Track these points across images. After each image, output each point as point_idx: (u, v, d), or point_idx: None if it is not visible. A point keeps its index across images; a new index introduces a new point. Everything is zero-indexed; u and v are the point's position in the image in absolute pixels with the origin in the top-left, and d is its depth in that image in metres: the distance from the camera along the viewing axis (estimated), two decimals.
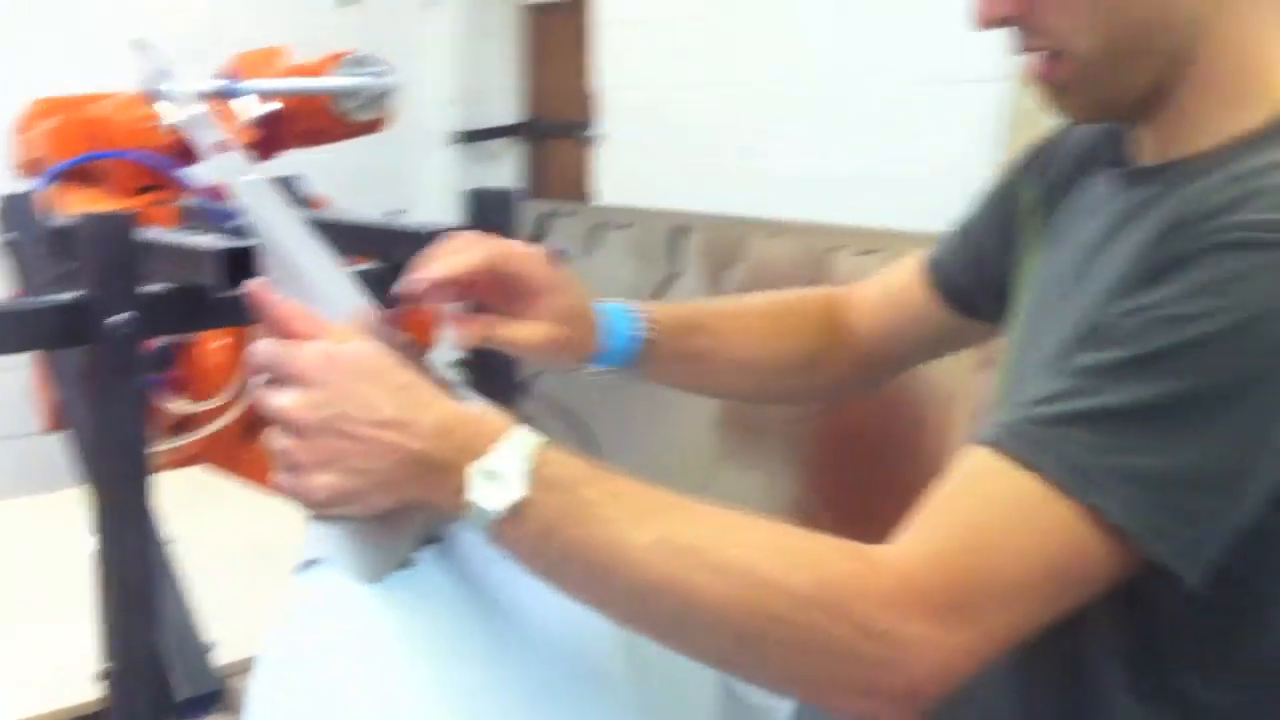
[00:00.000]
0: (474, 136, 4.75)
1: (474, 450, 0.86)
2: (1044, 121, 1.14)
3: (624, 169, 4.15)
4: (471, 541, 0.93)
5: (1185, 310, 0.82)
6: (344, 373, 0.88)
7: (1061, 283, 1.04)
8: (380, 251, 1.39)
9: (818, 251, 3.40)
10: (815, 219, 3.47)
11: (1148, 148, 1.02)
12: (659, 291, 3.81)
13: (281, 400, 0.90)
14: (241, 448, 3.21)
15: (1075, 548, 0.83)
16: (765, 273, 3.54)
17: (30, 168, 3.75)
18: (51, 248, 1.37)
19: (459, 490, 0.86)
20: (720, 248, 3.71)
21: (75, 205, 3.70)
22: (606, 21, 4.11)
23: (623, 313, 1.21)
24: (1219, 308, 0.81)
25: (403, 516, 0.92)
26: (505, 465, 0.85)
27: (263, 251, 1.07)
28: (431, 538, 0.97)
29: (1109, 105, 0.99)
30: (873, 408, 2.99)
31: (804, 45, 3.56)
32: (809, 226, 3.46)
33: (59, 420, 3.53)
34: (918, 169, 3.17)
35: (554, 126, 4.68)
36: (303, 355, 0.90)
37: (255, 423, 3.34)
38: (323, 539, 0.93)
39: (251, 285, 0.97)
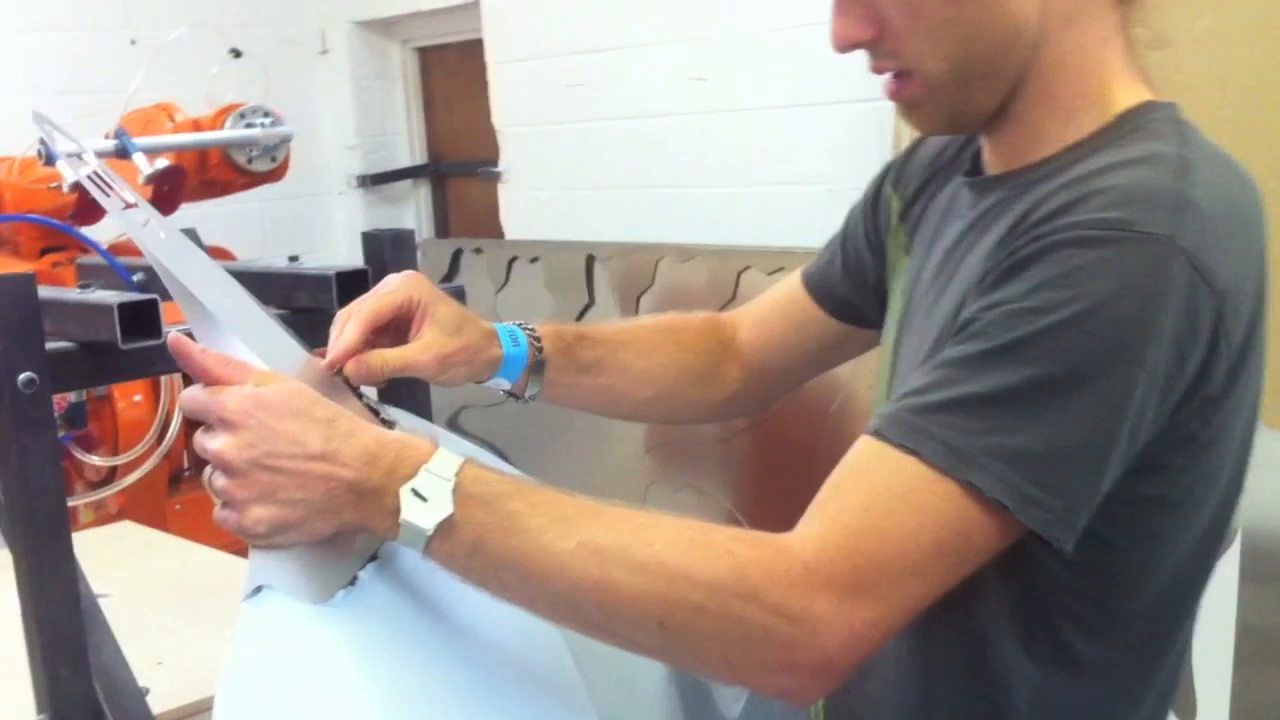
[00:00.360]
0: (377, 180, 4.76)
1: (401, 474, 0.92)
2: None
3: (530, 203, 4.19)
4: (410, 556, 0.97)
5: (1034, 303, 0.89)
6: (270, 412, 0.93)
7: (929, 284, 1.09)
8: (283, 296, 1.42)
9: (728, 272, 3.45)
10: (723, 241, 3.53)
11: (995, 157, 1.08)
12: (578, 318, 3.85)
13: (214, 444, 0.94)
14: (165, 500, 3.20)
15: (959, 522, 0.89)
16: (679, 296, 3.58)
17: None
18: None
19: (391, 512, 0.92)
20: (632, 274, 3.76)
21: None
22: (500, 60, 4.15)
23: (512, 327, 1.25)
24: (1064, 299, 0.88)
25: (342, 539, 0.97)
26: (432, 485, 0.91)
27: (183, 302, 1.10)
28: (372, 555, 1.01)
29: (956, 120, 1.05)
30: (797, 422, 3.04)
31: (697, 74, 3.62)
32: (718, 249, 3.52)
33: None
34: (815, 186, 3.25)
35: (456, 166, 4.71)
36: (228, 400, 0.94)
37: (176, 474, 3.33)
38: (267, 567, 0.96)
39: (171, 338, 1.01)
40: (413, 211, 4.82)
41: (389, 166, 4.79)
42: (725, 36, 3.54)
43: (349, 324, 1.10)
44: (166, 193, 2.61)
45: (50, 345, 1.21)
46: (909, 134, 1.30)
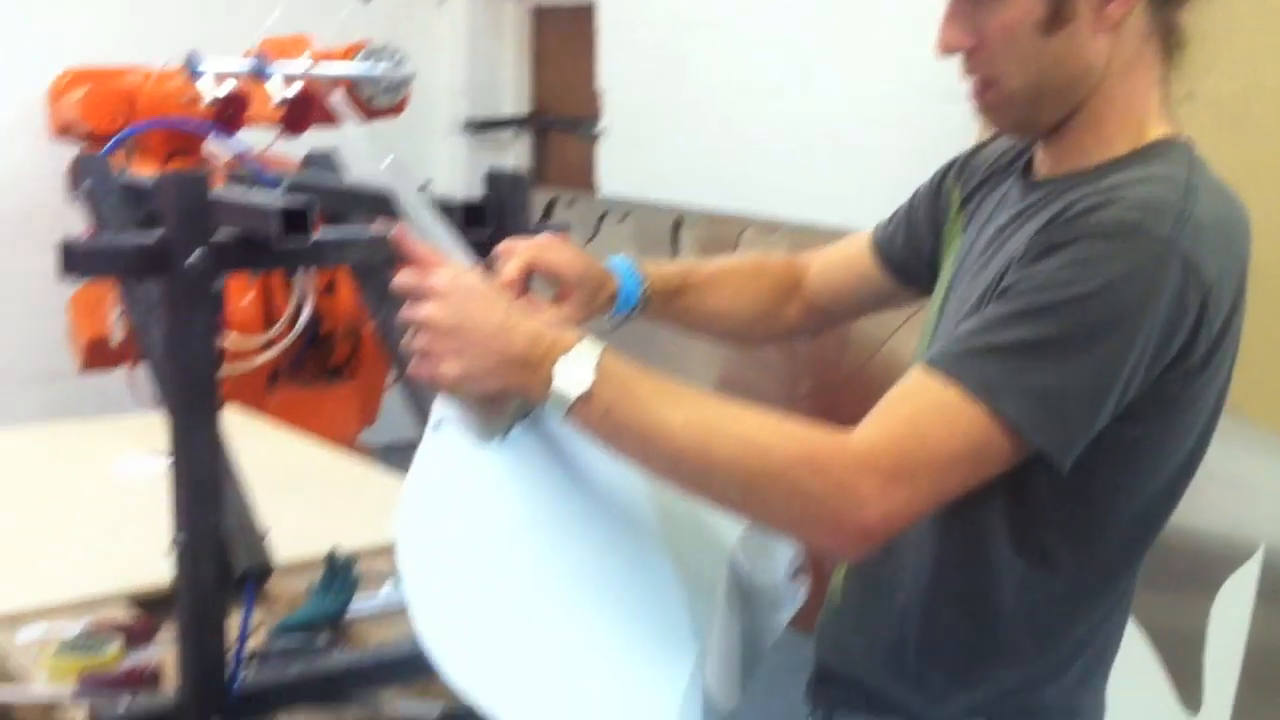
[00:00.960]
0: (482, 126, 4.98)
1: (556, 353, 1.17)
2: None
3: (625, 163, 4.37)
4: (552, 422, 1.26)
5: (1062, 278, 1.13)
6: (465, 292, 1.20)
7: (977, 256, 1.33)
8: None
9: (807, 250, 3.62)
10: (806, 219, 3.70)
11: (1045, 163, 1.31)
12: None
13: (422, 311, 1.20)
14: (263, 395, 3.47)
15: (982, 438, 1.13)
16: None
17: (62, 132, 3.98)
18: (126, 199, 1.60)
19: (545, 382, 1.16)
20: (716, 241, 3.94)
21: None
22: (610, 26, 4.33)
23: (629, 270, 1.49)
24: (1085, 277, 1.12)
25: (505, 398, 1.25)
26: (578, 364, 1.16)
27: (401, 212, 1.38)
28: (524, 415, 1.29)
29: (1021, 128, 1.30)
30: (856, 388, 3.22)
31: (804, 57, 3.78)
32: (801, 226, 3.68)
33: (91, 360, 3.77)
34: (898, 177, 3.41)
35: (558, 121, 4.91)
36: (438, 278, 1.21)
37: (275, 374, 3.60)
38: (448, 408, 1.25)
39: (394, 231, 1.30)
40: (512, 159, 5.03)
41: (494, 114, 5.00)
42: (830, 24, 3.69)
43: (513, 261, 1.36)
44: (296, 117, 2.83)
45: (217, 237, 1.43)
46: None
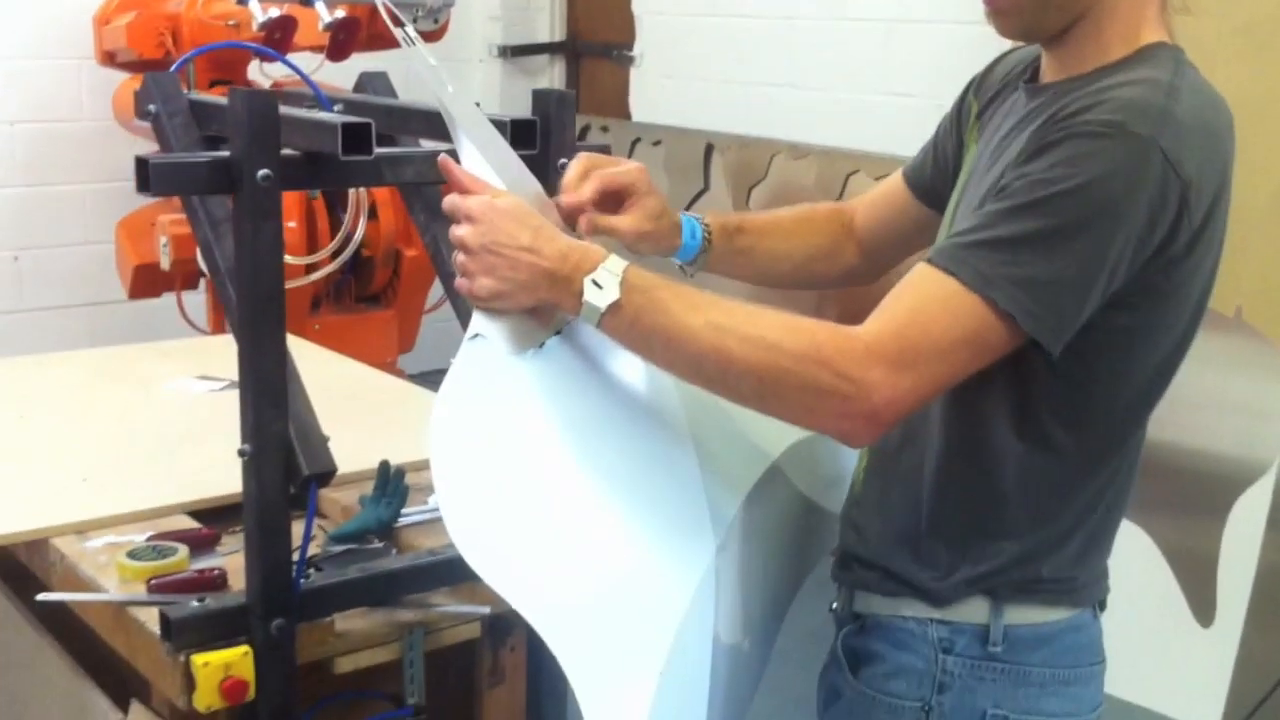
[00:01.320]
0: (516, 51, 5.00)
1: (585, 268, 1.27)
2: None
3: (657, 89, 4.40)
4: (585, 331, 1.35)
5: (1050, 175, 1.21)
6: (498, 214, 1.30)
7: (985, 160, 1.41)
8: None
9: (837, 173, 3.66)
10: (834, 144, 3.73)
11: (1049, 70, 1.39)
12: (690, 204, 4.08)
13: (459, 231, 1.32)
14: (306, 318, 3.54)
15: (980, 326, 1.22)
16: (787, 191, 3.81)
17: (107, 58, 4.04)
18: (198, 119, 1.66)
19: (576, 295, 1.27)
20: (747, 166, 3.98)
21: (135, 84, 4.00)
22: None
23: (693, 220, 1.58)
24: (1071, 174, 1.20)
25: (539, 313, 1.34)
26: (606, 277, 1.26)
27: (454, 131, 1.44)
28: (557, 329, 1.37)
29: (1029, 33, 1.37)
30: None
31: None
32: (829, 150, 3.72)
33: (138, 286, 3.85)
34: (924, 100, 3.43)
35: (592, 46, 4.93)
36: (473, 202, 1.32)
37: (318, 299, 3.66)
38: (484, 322, 1.33)
39: (440, 158, 1.40)
40: (546, 84, 5.06)
41: (528, 40, 5.02)
42: None
43: (589, 181, 1.45)
44: (341, 41, 2.88)
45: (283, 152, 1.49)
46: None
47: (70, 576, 1.85)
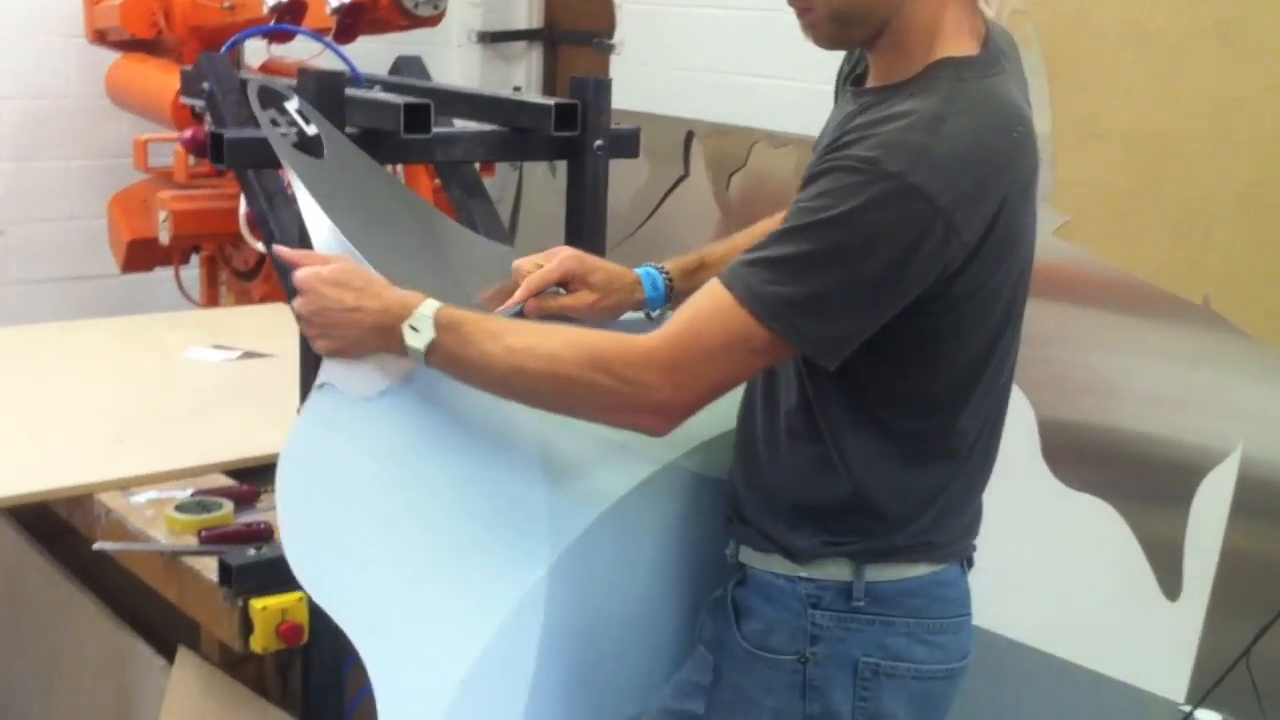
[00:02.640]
0: (495, 38, 5.09)
1: (403, 316, 1.44)
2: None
3: (637, 76, 4.49)
4: (427, 375, 1.48)
5: (813, 205, 1.33)
6: (323, 283, 1.47)
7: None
8: (506, 118, 1.79)
9: None
10: (814, 133, 3.84)
11: (872, 72, 1.49)
12: (671, 189, 4.18)
13: (295, 302, 1.49)
14: None
15: (748, 336, 1.35)
16: (767, 181, 3.92)
17: (98, 37, 4.09)
18: (259, 97, 1.76)
19: (400, 341, 1.44)
20: (726, 154, 4.09)
21: (144, 72, 4.05)
22: None
23: (652, 272, 1.71)
24: (828, 205, 1.31)
25: (379, 360, 1.49)
26: (421, 321, 1.43)
27: (300, 196, 1.54)
28: (408, 377, 1.51)
29: (837, 44, 1.47)
30: None
31: None
32: (808, 139, 3.82)
33: (132, 260, 3.91)
34: None
35: (571, 34, 5.02)
36: (299, 275, 1.48)
37: None
38: (331, 371, 1.49)
39: (275, 248, 1.54)
40: (524, 71, 5.14)
41: (507, 27, 5.11)
42: None
43: (518, 292, 1.63)
44: (348, 25, 2.96)
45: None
46: None
47: (117, 529, 1.95)
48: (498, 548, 1.51)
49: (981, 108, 1.38)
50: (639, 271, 1.70)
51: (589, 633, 1.58)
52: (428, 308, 1.43)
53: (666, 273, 1.72)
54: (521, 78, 5.11)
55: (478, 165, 2.05)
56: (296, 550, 1.42)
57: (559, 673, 1.54)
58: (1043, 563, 3.06)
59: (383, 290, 1.46)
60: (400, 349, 1.44)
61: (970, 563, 1.60)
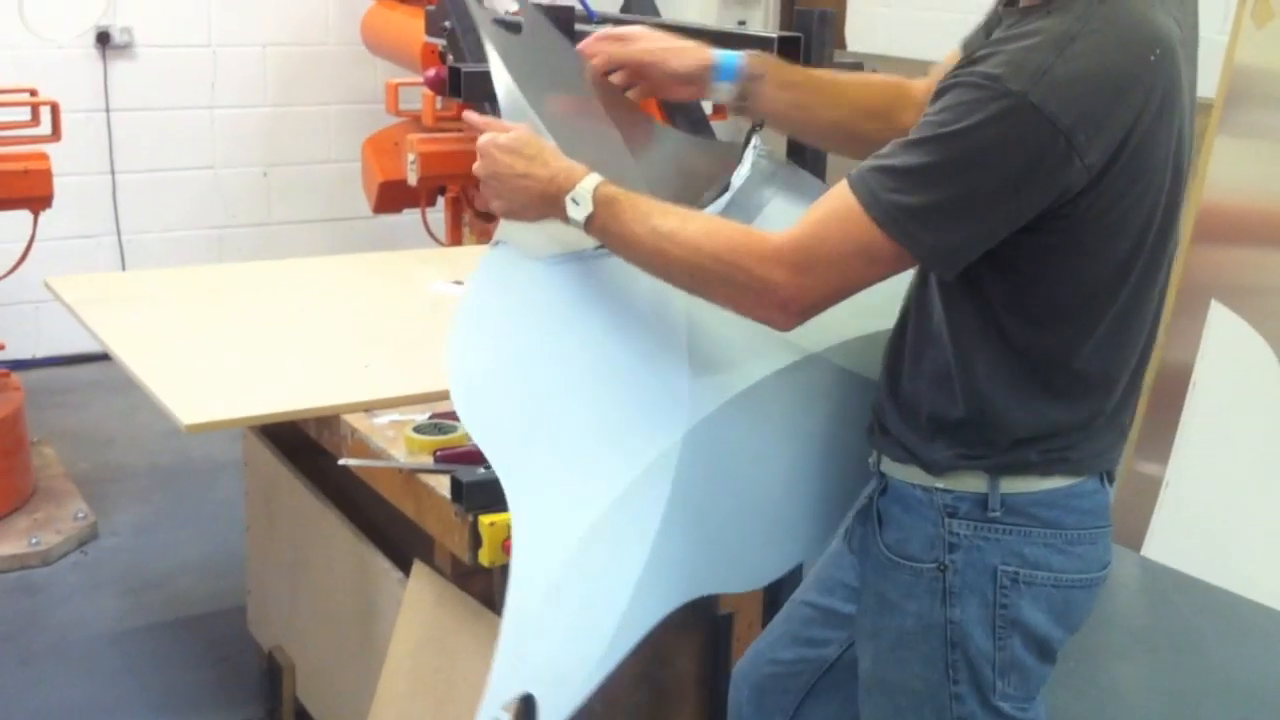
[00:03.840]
0: None
1: (566, 188, 1.54)
2: None
3: (873, 17, 4.44)
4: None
5: (938, 119, 1.35)
6: (498, 149, 1.58)
7: None
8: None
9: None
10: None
11: None
12: None
13: (475, 165, 1.60)
14: None
15: (870, 242, 1.40)
16: None
17: None
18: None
19: (564, 210, 1.54)
20: None
21: (394, 18, 4.22)
22: None
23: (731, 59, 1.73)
24: (952, 119, 1.34)
25: (550, 224, 1.58)
26: (582, 194, 1.52)
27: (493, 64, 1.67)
28: (571, 246, 1.61)
29: None
30: None
31: None
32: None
33: (383, 201, 4.09)
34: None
35: None
36: (480, 141, 1.59)
37: None
38: (507, 230, 1.62)
39: (464, 114, 1.65)
40: (760, 12, 5.12)
41: None
42: None
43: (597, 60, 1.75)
44: None
45: None
46: None
47: (361, 448, 2.06)
48: (639, 409, 1.59)
49: (1115, 28, 1.36)
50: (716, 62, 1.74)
51: (712, 508, 1.63)
52: (590, 181, 1.52)
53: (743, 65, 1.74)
54: (759, 19, 5.10)
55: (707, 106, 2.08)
56: (459, 381, 1.52)
57: (678, 543, 1.58)
58: None
59: (551, 159, 1.56)
60: (564, 217, 1.54)
61: (1111, 476, 1.60)
